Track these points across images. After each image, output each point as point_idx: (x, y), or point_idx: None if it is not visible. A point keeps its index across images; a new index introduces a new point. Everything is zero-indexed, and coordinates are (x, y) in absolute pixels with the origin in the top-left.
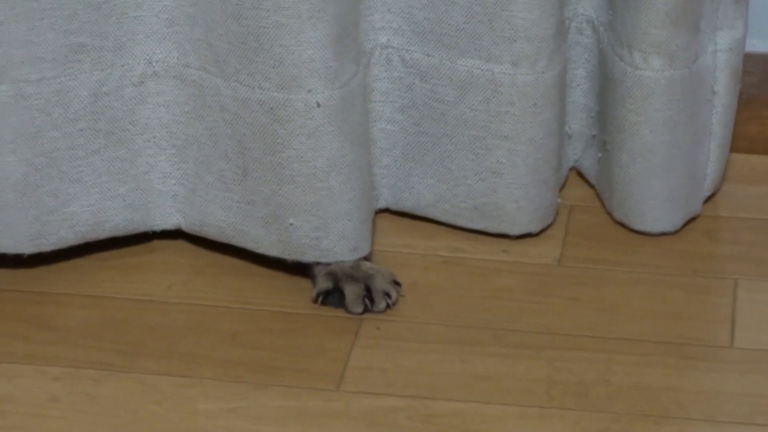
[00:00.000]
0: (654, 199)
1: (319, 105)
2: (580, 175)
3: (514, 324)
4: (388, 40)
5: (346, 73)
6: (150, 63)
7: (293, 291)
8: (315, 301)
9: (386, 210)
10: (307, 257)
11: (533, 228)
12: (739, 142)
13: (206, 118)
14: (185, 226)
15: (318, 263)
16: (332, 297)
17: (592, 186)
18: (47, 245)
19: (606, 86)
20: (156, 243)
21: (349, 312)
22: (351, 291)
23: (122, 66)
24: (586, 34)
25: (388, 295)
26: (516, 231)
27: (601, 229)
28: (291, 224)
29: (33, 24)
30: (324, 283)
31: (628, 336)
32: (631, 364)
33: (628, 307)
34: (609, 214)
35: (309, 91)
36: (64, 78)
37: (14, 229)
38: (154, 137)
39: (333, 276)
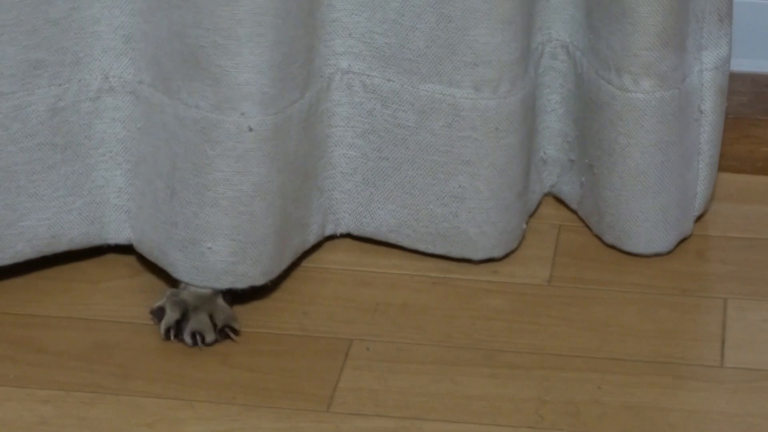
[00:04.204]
0: (648, 221)
1: (251, 129)
2: (558, 200)
3: (504, 344)
4: (350, 65)
5: (285, 99)
6: (106, 78)
7: (282, 312)
8: (166, 336)
9: (348, 235)
10: (221, 283)
11: (496, 253)
12: (728, 162)
13: (152, 135)
14: (134, 242)
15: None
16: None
17: (573, 210)
18: (5, 259)
19: (590, 111)
20: (146, 266)
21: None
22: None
23: (79, 81)
24: (561, 59)
25: (201, 334)
26: (479, 256)
27: (590, 249)
28: (209, 248)
29: None
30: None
31: (619, 356)
32: (621, 384)
33: (619, 327)
34: (598, 237)
35: (242, 114)
36: (23, 93)
37: None
38: (110, 152)
39: (183, 305)
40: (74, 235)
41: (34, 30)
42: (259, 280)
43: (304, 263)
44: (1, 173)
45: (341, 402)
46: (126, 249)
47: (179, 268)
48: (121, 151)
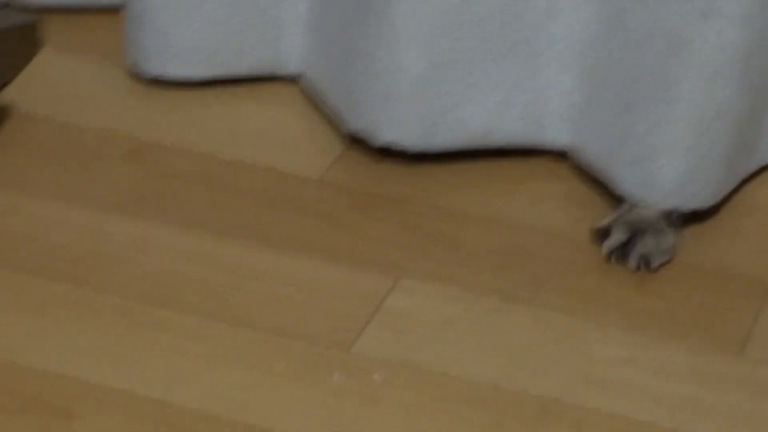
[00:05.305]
0: None
1: (724, 46)
2: None
3: None
4: None
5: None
6: None
7: (704, 243)
8: (609, 258)
9: None
10: (668, 203)
11: None
12: None
13: (612, 41)
14: (570, 150)
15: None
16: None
17: None
18: (435, 145)
19: None
20: (565, 172)
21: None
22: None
23: None
24: None
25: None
26: None
27: None
28: (661, 166)
29: None
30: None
31: None
32: None
33: None
34: None
35: (717, 29)
36: None
37: (404, 123)
38: (562, 53)
39: (631, 226)
40: (509, 132)
41: None
42: (706, 203)
43: (732, 194)
44: (445, 58)
45: (756, 347)
46: (555, 155)
47: (625, 184)
48: (574, 54)
